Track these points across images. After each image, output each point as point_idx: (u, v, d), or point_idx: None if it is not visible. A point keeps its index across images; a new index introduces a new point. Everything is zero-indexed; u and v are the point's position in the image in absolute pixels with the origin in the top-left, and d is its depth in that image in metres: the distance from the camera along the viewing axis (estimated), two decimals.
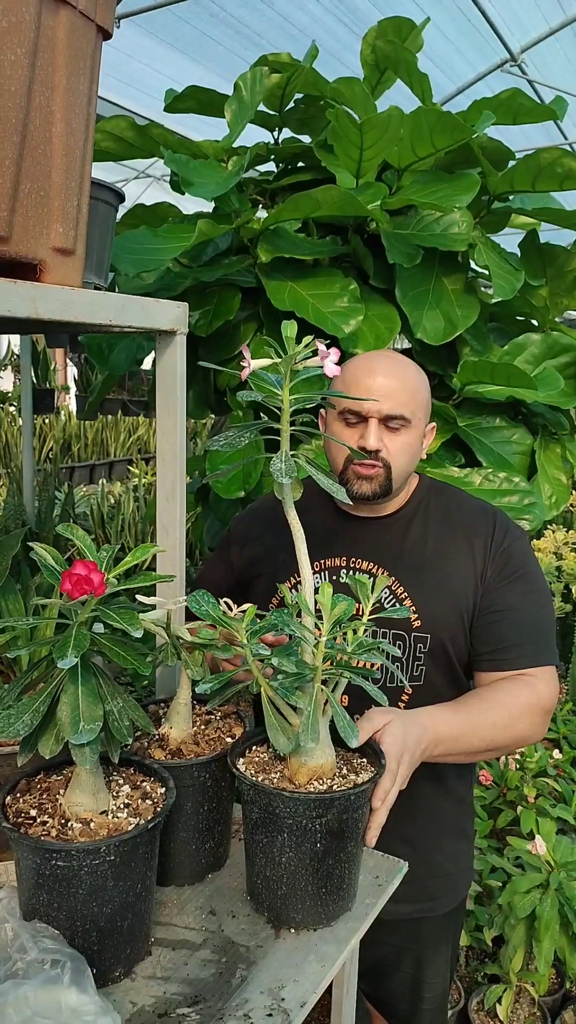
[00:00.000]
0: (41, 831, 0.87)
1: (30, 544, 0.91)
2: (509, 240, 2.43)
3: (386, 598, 1.36)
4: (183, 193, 2.38)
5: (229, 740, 1.10)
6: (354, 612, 0.99)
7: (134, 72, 4.61)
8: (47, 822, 0.89)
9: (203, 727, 1.13)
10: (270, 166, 2.53)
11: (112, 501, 5.03)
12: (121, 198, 1.18)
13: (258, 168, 2.51)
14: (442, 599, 1.35)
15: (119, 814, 0.91)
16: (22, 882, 0.88)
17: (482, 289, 2.27)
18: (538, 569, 1.40)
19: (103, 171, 5.19)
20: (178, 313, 1.14)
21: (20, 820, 0.89)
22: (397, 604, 1.35)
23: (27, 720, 0.84)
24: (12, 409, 8.03)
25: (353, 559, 1.40)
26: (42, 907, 0.85)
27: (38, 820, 0.89)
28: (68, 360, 6.89)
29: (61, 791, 0.93)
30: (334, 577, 1.40)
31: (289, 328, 1.02)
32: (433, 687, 1.36)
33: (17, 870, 0.89)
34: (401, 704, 1.36)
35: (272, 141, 2.38)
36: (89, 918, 0.85)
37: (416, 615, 1.35)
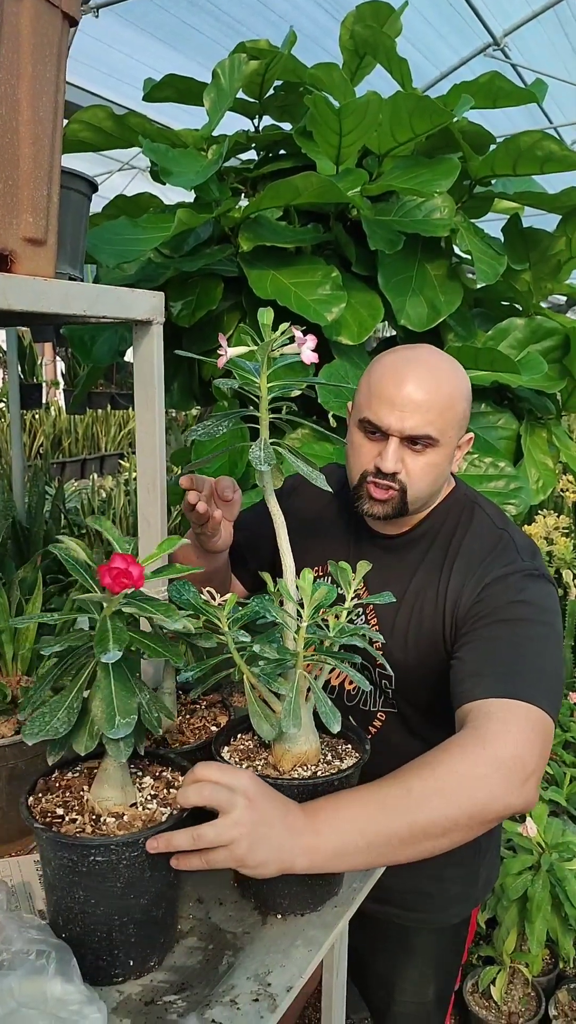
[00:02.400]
0: (75, 829, 0.85)
1: (58, 538, 0.90)
2: (493, 226, 2.42)
3: (361, 621, 1.27)
4: (163, 183, 2.36)
5: (214, 729, 1.11)
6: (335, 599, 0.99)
7: (115, 62, 4.58)
8: (76, 819, 0.87)
9: (188, 716, 1.13)
10: (251, 155, 2.52)
11: (103, 495, 5.01)
12: (94, 187, 1.17)
13: (239, 157, 2.50)
14: (407, 645, 1.21)
15: (148, 805, 0.90)
16: (53, 882, 0.86)
17: (466, 275, 2.26)
18: (543, 615, 1.11)
19: (86, 162, 5.16)
20: (154, 302, 1.13)
21: (49, 819, 0.87)
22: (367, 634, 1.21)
23: (63, 718, 0.82)
24: (1, 406, 8.00)
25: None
26: (77, 905, 0.84)
27: (67, 818, 0.87)
28: (56, 355, 6.86)
29: (85, 788, 0.92)
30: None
31: (265, 315, 1.01)
32: (407, 719, 1.25)
33: (46, 870, 0.87)
34: (373, 730, 1.28)
35: (252, 129, 2.37)
36: (127, 910, 0.85)
37: (381, 651, 1.19)
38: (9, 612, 1.30)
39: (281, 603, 1.00)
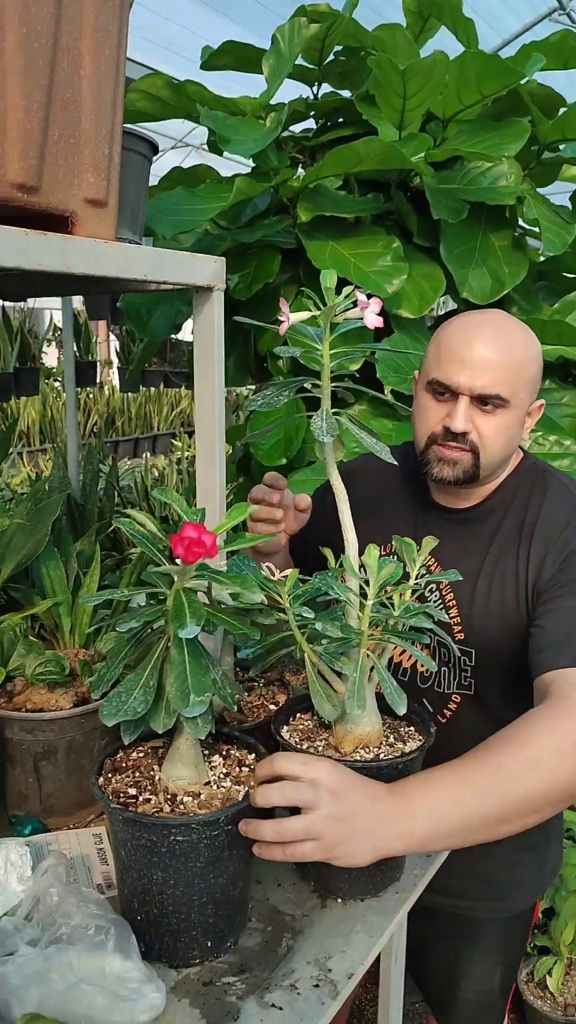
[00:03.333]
0: (152, 808, 0.83)
1: (126, 512, 0.89)
2: (558, 198, 2.32)
3: (435, 600, 1.24)
4: (221, 154, 2.33)
5: (272, 707, 1.08)
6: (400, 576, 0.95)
7: (171, 35, 4.53)
8: (151, 799, 0.85)
9: (246, 694, 1.10)
10: (309, 124, 2.46)
11: (156, 474, 5.03)
12: (154, 149, 1.14)
13: (293, 129, 2.45)
14: (489, 616, 1.18)
15: (222, 784, 0.88)
16: (128, 863, 0.84)
17: (529, 247, 2.18)
18: None
19: None
20: (215, 268, 1.10)
21: (123, 800, 0.85)
22: (444, 609, 1.22)
23: (140, 696, 0.80)
24: (57, 384, 8.09)
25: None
26: (155, 886, 0.83)
27: (141, 798, 0.85)
28: (111, 333, 6.89)
29: (155, 767, 0.90)
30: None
31: (328, 278, 0.97)
32: (484, 701, 1.22)
33: (119, 852, 0.85)
34: (448, 712, 1.25)
35: (311, 96, 2.31)
36: (206, 890, 0.83)
37: (460, 627, 1.20)
38: (67, 586, 1.29)
39: (343, 580, 0.97)
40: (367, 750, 0.97)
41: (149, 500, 4.39)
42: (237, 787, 0.88)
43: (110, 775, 0.89)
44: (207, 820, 0.81)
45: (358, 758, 0.95)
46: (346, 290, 0.96)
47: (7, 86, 0.79)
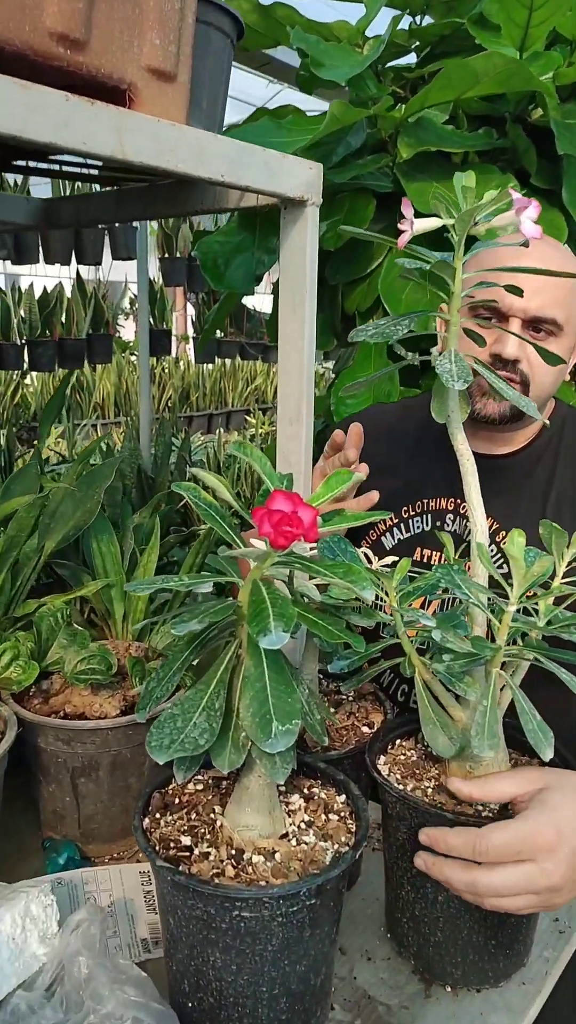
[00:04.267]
0: (211, 868, 0.63)
1: (193, 471, 0.68)
2: None
3: (495, 557, 1.05)
4: (310, 92, 2.09)
5: (365, 730, 0.86)
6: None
7: None
8: (210, 853, 0.65)
9: (332, 711, 0.89)
10: (410, 60, 2.20)
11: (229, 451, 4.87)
12: (239, 29, 0.92)
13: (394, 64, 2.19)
14: None
15: (304, 837, 0.67)
16: (177, 935, 0.65)
17: None
18: None
19: None
20: (310, 175, 0.88)
21: (173, 853, 0.65)
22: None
23: (202, 724, 0.59)
24: (133, 358, 8.00)
25: (463, 503, 1.05)
26: (212, 970, 0.63)
27: (197, 851, 0.65)
28: (187, 301, 6.74)
29: (216, 808, 0.70)
30: (438, 523, 1.11)
31: (467, 178, 0.74)
32: None
33: (167, 919, 0.66)
34: None
35: (413, 23, 2.05)
36: (278, 980, 0.63)
37: None
38: (122, 564, 1.09)
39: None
40: None
41: (221, 475, 4.21)
42: (323, 843, 0.66)
43: (158, 815, 0.69)
44: (283, 893, 0.60)
45: (480, 807, 0.73)
46: (488, 194, 0.73)
47: None
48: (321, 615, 0.63)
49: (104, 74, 0.68)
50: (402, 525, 1.15)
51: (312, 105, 2.01)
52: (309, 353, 0.92)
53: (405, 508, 1.14)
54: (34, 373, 6.25)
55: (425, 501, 1.13)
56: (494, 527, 1.07)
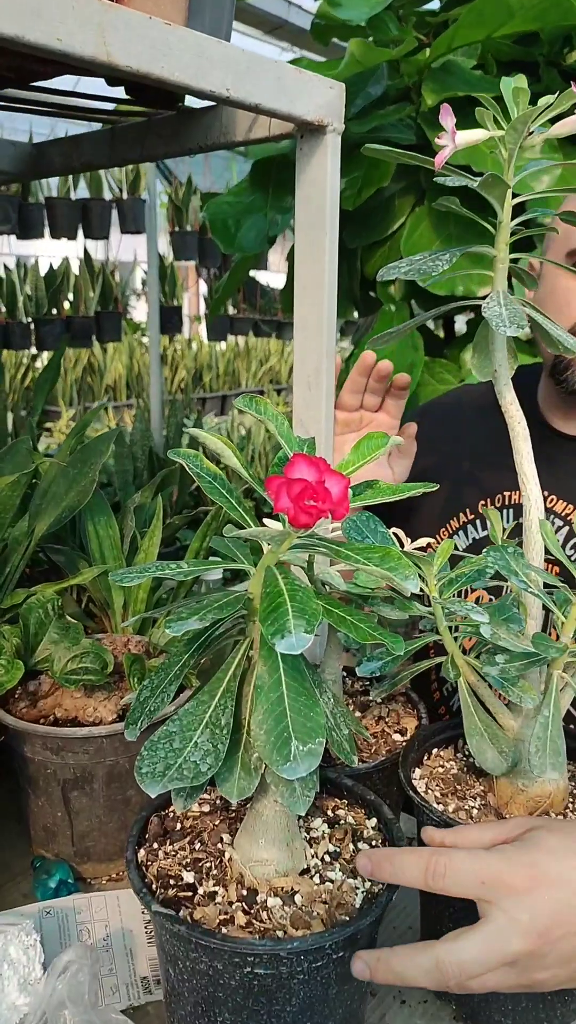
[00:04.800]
0: (218, 913, 0.52)
1: (191, 431, 0.56)
2: None
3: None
4: (326, 43, 1.95)
5: (397, 737, 0.75)
6: None
7: None
8: (216, 893, 0.54)
9: (359, 715, 0.78)
10: (434, 5, 2.06)
11: (243, 431, 4.76)
12: None
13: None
14: None
15: (329, 873, 0.56)
16: (178, 988, 0.54)
17: None
18: None
19: None
20: (330, 96, 0.75)
21: (173, 893, 0.54)
22: None
23: (205, 745, 0.48)
24: (145, 340, 7.86)
25: (549, 495, 0.94)
26: None
27: (202, 890, 0.55)
28: (199, 278, 6.61)
29: (224, 836, 0.59)
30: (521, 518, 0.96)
31: (518, 79, 0.62)
32: None
33: (168, 971, 0.54)
34: None
35: None
36: None
37: None
38: (120, 549, 0.99)
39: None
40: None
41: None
42: (352, 881, 0.55)
43: (156, 844, 0.59)
44: (305, 948, 0.49)
45: None
46: (543, 100, 0.60)
47: None
48: (348, 608, 0.52)
49: None
50: (478, 522, 0.99)
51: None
52: (330, 305, 0.80)
53: (482, 502, 1.00)
54: (45, 355, 6.16)
55: (507, 494, 0.98)
56: (571, 510, 0.93)
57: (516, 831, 0.55)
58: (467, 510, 1.00)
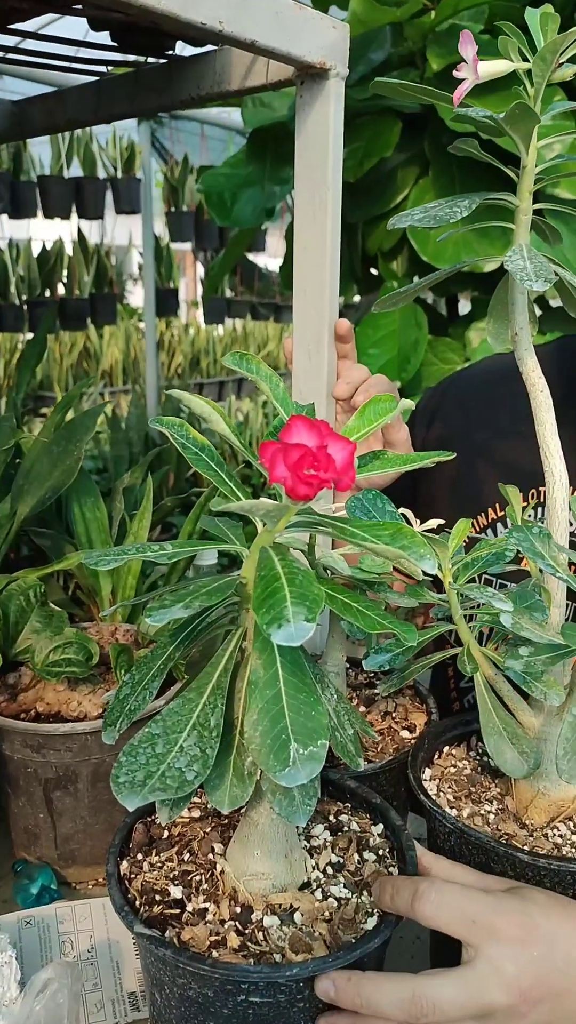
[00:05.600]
0: (208, 934, 0.47)
1: (172, 392, 0.50)
2: None
3: None
4: (326, 8, 1.88)
5: (405, 735, 0.70)
6: None
7: None
8: (207, 910, 0.49)
9: (364, 711, 0.72)
10: None
11: (240, 418, 4.70)
12: None
13: None
14: None
15: (332, 888, 0.51)
16: (166, 1016, 0.49)
17: None
18: None
19: None
20: (334, 36, 0.69)
21: (159, 911, 0.49)
22: None
23: (191, 749, 0.43)
24: (141, 325, 7.78)
25: None
26: None
27: (191, 907, 0.49)
28: (196, 260, 6.52)
29: (216, 846, 0.54)
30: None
31: (546, 7, 0.56)
32: None
33: (155, 996, 0.49)
34: None
35: None
36: None
37: None
38: (108, 532, 0.93)
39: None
40: (572, 826, 0.57)
41: (234, 450, 4.04)
42: (357, 898, 0.50)
43: (141, 855, 0.53)
44: (306, 976, 0.43)
45: (558, 840, 0.56)
46: (571, 32, 0.54)
47: None
48: (353, 594, 0.46)
49: None
50: (509, 521, 0.87)
51: None
52: (332, 265, 0.74)
53: (530, 493, 0.86)
54: None
55: (543, 490, 0.83)
56: None
57: (499, 885, 0.50)
58: (496, 506, 0.88)
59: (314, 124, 0.72)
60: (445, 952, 0.54)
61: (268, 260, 6.05)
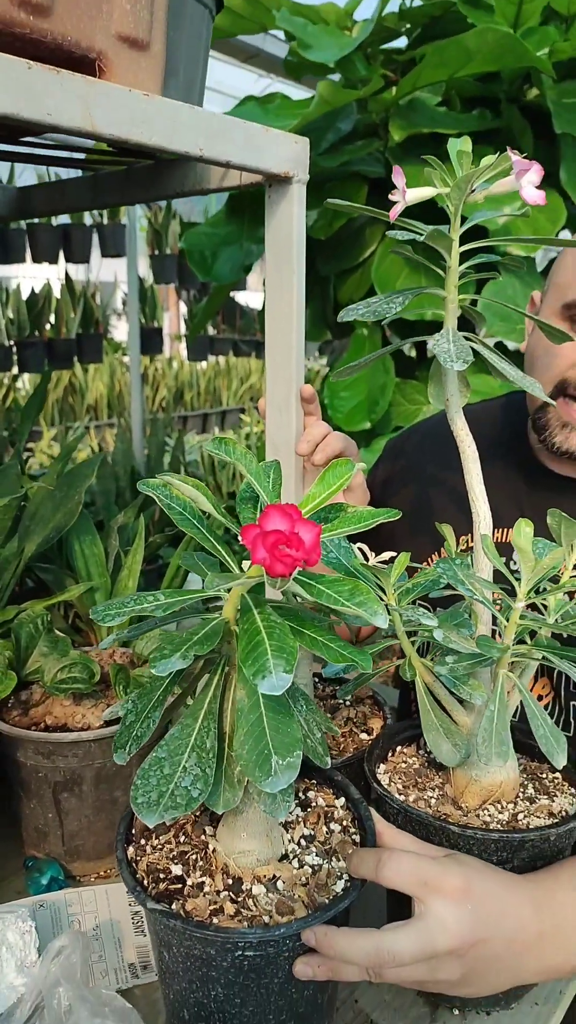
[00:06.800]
0: (207, 904, 0.58)
1: (165, 477, 0.60)
2: None
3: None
4: (298, 78, 2.04)
5: (364, 736, 0.81)
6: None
7: None
8: (204, 884, 0.59)
9: (328, 716, 0.84)
10: (401, 43, 2.15)
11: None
12: (219, 2, 0.87)
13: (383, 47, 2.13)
14: None
15: (307, 857, 0.62)
16: (172, 968, 0.60)
17: None
18: None
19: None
20: (296, 150, 0.83)
21: (164, 887, 0.59)
22: None
23: (193, 769, 0.53)
24: (126, 359, 7.93)
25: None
26: (214, 1003, 0.59)
27: (190, 882, 0.60)
28: (179, 299, 6.69)
29: (207, 828, 0.65)
30: (508, 560, 0.95)
31: (464, 143, 0.69)
32: None
33: (163, 954, 0.60)
34: None
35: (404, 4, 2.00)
36: (286, 1007, 0.59)
37: None
38: (105, 567, 1.04)
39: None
40: (499, 807, 0.69)
41: (216, 476, 4.16)
42: (329, 864, 0.61)
43: (143, 840, 0.64)
44: (291, 934, 0.55)
45: (487, 819, 0.68)
46: (485, 160, 0.68)
47: None
48: (321, 631, 0.57)
49: (71, 42, 0.64)
50: (470, 558, 0.96)
51: (303, 98, 1.96)
52: (298, 336, 0.87)
53: (465, 537, 0.98)
54: (26, 376, 6.20)
55: (502, 529, 0.95)
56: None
57: (438, 852, 0.62)
58: (459, 548, 0.98)
59: (281, 218, 0.86)
60: (399, 907, 0.65)
61: (249, 297, 6.22)
